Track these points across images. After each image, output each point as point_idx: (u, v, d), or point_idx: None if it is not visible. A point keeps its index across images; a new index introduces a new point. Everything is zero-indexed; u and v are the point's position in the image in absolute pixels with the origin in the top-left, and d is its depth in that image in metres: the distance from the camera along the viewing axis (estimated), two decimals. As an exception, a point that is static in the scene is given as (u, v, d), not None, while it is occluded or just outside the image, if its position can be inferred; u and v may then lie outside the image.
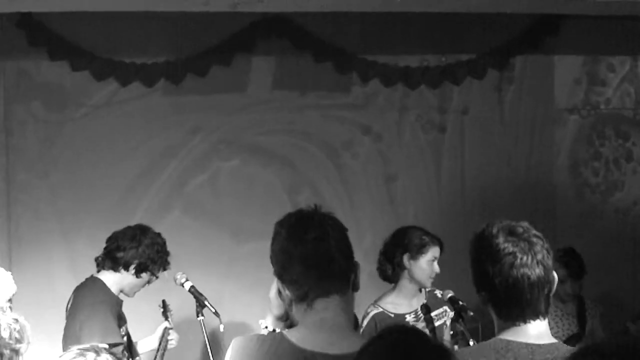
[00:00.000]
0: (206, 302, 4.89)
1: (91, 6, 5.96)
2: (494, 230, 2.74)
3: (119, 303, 4.98)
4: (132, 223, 6.28)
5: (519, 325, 2.73)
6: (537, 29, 6.85)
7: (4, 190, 6.32)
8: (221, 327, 4.78)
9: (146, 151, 6.53)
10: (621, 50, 7.08)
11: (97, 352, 2.92)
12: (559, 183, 7.07)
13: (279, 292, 2.73)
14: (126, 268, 4.91)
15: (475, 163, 6.92)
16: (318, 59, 6.63)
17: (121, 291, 4.99)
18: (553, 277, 2.76)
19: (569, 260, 5.91)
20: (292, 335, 2.66)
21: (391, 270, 5.07)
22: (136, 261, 4.92)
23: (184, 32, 6.45)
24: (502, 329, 2.76)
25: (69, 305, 4.94)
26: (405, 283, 5.04)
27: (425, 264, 4.99)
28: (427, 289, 5.11)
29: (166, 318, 5.19)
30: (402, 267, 5.02)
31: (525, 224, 2.77)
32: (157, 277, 5.05)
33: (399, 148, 6.85)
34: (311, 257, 2.65)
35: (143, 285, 5.04)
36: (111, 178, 6.49)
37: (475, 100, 6.92)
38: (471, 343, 4.49)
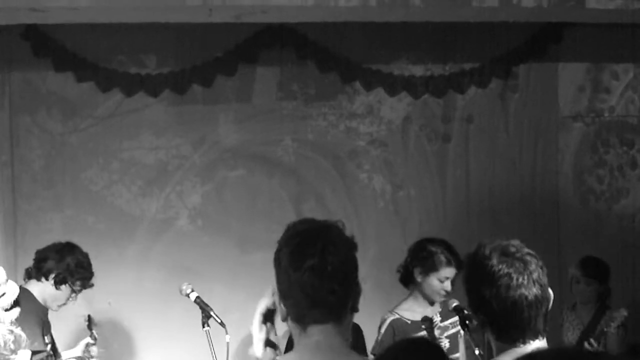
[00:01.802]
0: (212, 313, 4.88)
1: (95, 18, 5.99)
2: (487, 252, 2.71)
3: (45, 312, 5.11)
4: (138, 233, 6.32)
5: (519, 346, 2.69)
6: (541, 37, 6.85)
7: (10, 200, 6.34)
8: (227, 338, 4.78)
9: (151, 161, 6.55)
10: (625, 57, 7.07)
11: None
12: (563, 190, 7.06)
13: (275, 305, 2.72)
14: (46, 277, 5.09)
15: (480, 171, 6.92)
16: (322, 69, 6.64)
17: (44, 303, 5.13)
18: (549, 294, 2.74)
19: (586, 262, 5.93)
20: None
21: (405, 278, 5.08)
22: (55, 271, 5.08)
23: (188, 43, 6.47)
24: (501, 350, 2.73)
25: None
26: (418, 292, 5.05)
27: (435, 282, 4.96)
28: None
29: (90, 329, 5.24)
30: (414, 279, 5.02)
31: (517, 242, 2.74)
32: (76, 294, 5.18)
33: (404, 157, 6.85)
34: (308, 286, 2.60)
35: (66, 300, 5.17)
36: (116, 188, 6.50)
37: (479, 108, 6.92)
38: (477, 352, 4.47)
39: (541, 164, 7.03)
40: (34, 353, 4.65)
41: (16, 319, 4.75)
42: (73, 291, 5.16)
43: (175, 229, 6.56)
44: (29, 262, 5.97)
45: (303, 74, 6.70)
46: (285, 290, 2.66)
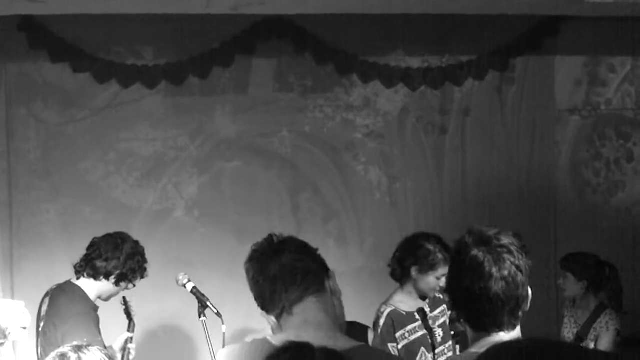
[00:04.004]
0: (208, 303, 4.88)
1: (92, 8, 5.97)
2: (469, 239, 2.67)
3: (96, 309, 4.94)
4: (135, 224, 6.30)
5: (486, 336, 2.67)
6: (538, 30, 6.86)
7: (6, 192, 6.34)
8: (223, 328, 4.78)
9: (148, 152, 6.55)
10: (621, 50, 7.08)
11: (79, 349, 2.94)
12: (560, 184, 7.07)
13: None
14: (107, 277, 4.91)
15: (477, 164, 6.93)
16: (319, 61, 6.64)
17: (98, 297, 4.97)
18: (523, 294, 2.66)
19: (564, 257, 5.90)
20: (277, 339, 2.69)
21: (399, 274, 5.05)
22: (118, 271, 4.92)
23: (185, 34, 6.46)
24: (473, 339, 2.73)
25: (46, 309, 4.89)
26: (411, 286, 5.03)
27: (432, 280, 4.94)
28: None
29: (129, 316, 5.15)
30: (409, 275, 5.00)
31: (507, 237, 2.67)
32: (134, 286, 5.06)
33: (401, 149, 6.85)
34: (274, 274, 2.76)
35: (119, 292, 5.05)
36: (113, 179, 6.50)
37: (476, 101, 6.93)
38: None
39: (538, 156, 7.03)
40: None
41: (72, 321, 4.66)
42: (131, 283, 5.02)
43: (171, 220, 6.56)
44: (25, 252, 5.95)
45: (300, 65, 6.70)
46: (263, 300, 2.79)
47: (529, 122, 7.02)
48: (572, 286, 5.84)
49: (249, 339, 2.85)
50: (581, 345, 5.47)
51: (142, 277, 5.05)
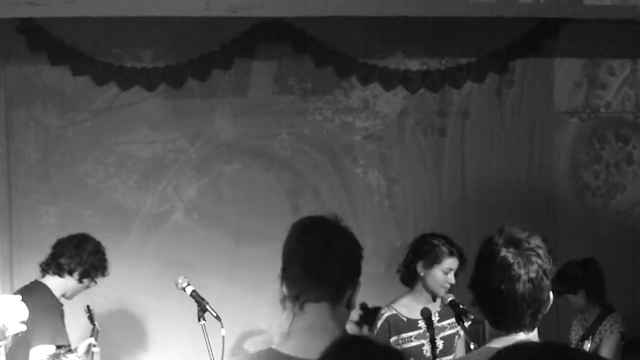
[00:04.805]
0: (208, 307, 4.89)
1: (91, 11, 5.97)
2: (500, 239, 2.75)
3: (61, 306, 5.17)
4: (134, 227, 6.31)
5: (506, 335, 2.73)
6: (538, 33, 6.86)
7: (6, 194, 6.34)
8: (222, 332, 4.78)
9: (147, 155, 6.55)
10: (621, 53, 7.08)
11: (57, 357, 2.95)
12: (559, 186, 7.07)
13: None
14: (71, 274, 5.15)
15: (476, 166, 6.93)
16: (318, 63, 6.64)
17: (63, 295, 5.19)
18: (546, 297, 2.73)
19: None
20: (284, 347, 2.66)
21: (407, 275, 5.05)
22: (81, 268, 5.15)
23: (184, 37, 6.47)
24: (493, 336, 2.77)
25: None
26: (420, 289, 5.00)
27: (439, 274, 4.93)
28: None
29: (92, 322, 5.28)
30: (416, 274, 4.99)
31: (537, 240, 2.75)
32: (96, 283, 5.28)
33: (400, 152, 6.85)
34: (310, 262, 2.69)
35: (82, 290, 5.27)
36: (112, 182, 6.50)
37: (475, 103, 6.93)
38: (472, 346, 4.48)
39: (537, 159, 7.03)
40: (57, 347, 4.73)
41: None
42: (93, 281, 5.24)
43: (171, 222, 6.56)
44: (25, 255, 5.95)
45: (299, 68, 6.70)
46: (286, 271, 2.73)
47: (528, 124, 7.01)
48: (574, 302, 5.84)
49: (252, 351, 2.81)
50: (583, 346, 5.50)
51: (103, 275, 5.28)
